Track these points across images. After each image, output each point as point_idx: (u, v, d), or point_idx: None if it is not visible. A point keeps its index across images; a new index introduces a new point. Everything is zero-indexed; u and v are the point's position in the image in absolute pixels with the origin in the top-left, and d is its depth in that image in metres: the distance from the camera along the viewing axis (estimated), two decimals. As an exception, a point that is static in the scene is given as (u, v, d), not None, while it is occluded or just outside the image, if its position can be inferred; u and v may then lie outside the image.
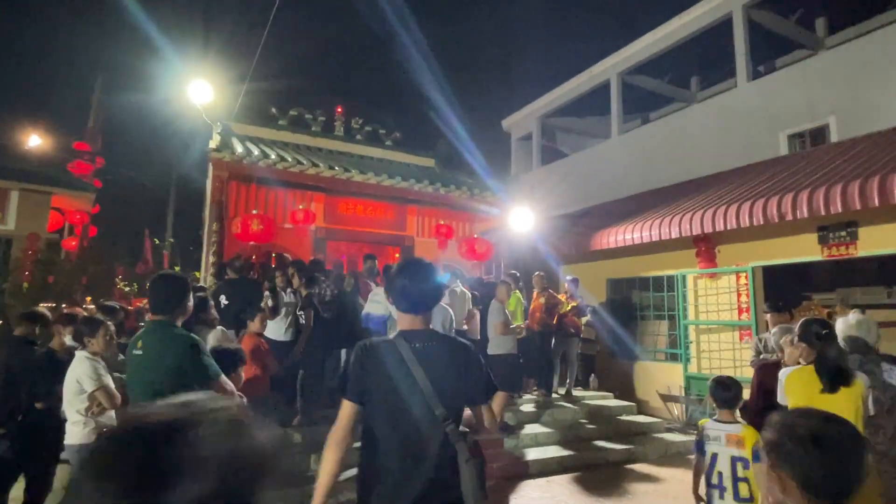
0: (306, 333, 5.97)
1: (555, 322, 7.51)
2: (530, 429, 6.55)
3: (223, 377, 2.76)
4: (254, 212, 8.03)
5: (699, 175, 10.18)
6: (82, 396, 3.46)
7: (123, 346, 4.71)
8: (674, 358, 8.55)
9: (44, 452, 3.78)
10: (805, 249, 6.99)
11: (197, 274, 13.32)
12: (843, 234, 6.61)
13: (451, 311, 5.78)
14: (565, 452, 6.09)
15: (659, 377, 8.53)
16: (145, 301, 10.10)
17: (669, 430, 7.41)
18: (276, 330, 5.91)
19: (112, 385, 3.56)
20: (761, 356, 5.24)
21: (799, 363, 2.78)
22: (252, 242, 7.85)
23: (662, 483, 5.49)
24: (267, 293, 5.92)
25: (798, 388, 2.59)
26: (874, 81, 9.27)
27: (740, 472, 2.73)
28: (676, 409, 8.07)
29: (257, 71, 10.17)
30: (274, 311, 5.85)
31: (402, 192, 9.53)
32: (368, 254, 7.95)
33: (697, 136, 12.00)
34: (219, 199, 7.96)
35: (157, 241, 21.05)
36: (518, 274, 7.64)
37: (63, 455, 3.66)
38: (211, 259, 7.59)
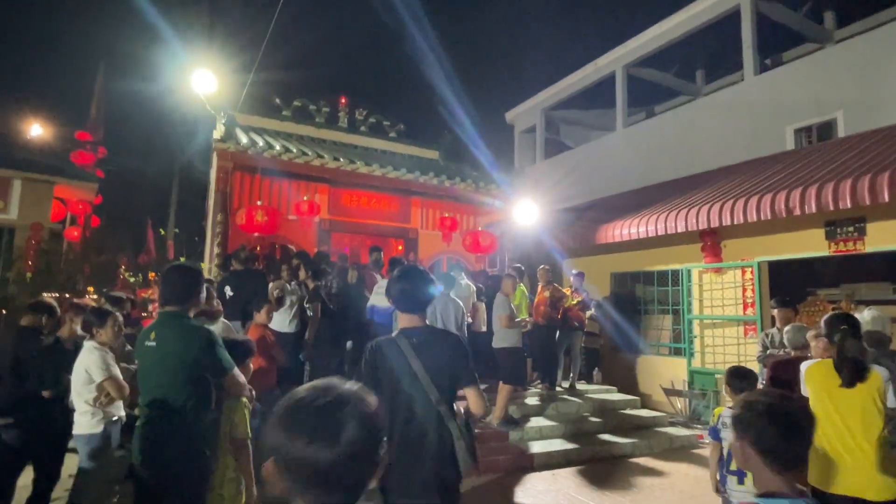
0: (315, 326, 5.96)
1: (559, 316, 7.49)
2: (535, 422, 6.55)
3: (236, 369, 2.75)
4: (258, 203, 8.01)
5: (704, 169, 10.13)
6: (91, 386, 3.46)
7: (128, 337, 4.71)
8: (677, 352, 8.54)
9: (52, 441, 3.78)
10: (812, 245, 6.96)
11: (202, 265, 13.32)
12: (851, 229, 6.58)
13: (461, 305, 5.78)
14: (570, 446, 6.10)
15: (662, 371, 8.53)
16: (149, 292, 10.13)
17: (673, 424, 7.41)
18: (281, 321, 5.89)
19: (120, 375, 3.56)
20: (768, 351, 5.24)
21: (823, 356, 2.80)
22: (257, 233, 7.83)
23: (668, 477, 5.49)
24: (278, 287, 5.89)
25: (816, 380, 2.62)
26: (883, 76, 9.20)
27: None
28: (680, 404, 8.08)
29: (262, 61, 10.12)
30: (279, 303, 5.84)
31: (407, 184, 9.50)
32: (374, 246, 7.93)
33: (703, 129, 11.93)
34: (223, 189, 7.93)
35: (163, 231, 21.04)
36: (523, 267, 7.62)
37: (71, 444, 3.67)
38: (216, 250, 7.58)
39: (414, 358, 2.27)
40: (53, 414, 3.70)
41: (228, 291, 6.08)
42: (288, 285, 6.16)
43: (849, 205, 5.97)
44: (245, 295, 5.47)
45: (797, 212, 6.38)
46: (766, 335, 5.39)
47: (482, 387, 2.56)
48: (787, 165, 7.81)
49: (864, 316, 2.87)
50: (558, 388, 7.62)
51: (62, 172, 11.40)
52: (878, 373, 2.54)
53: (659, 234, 8.01)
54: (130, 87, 22.17)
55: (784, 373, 3.23)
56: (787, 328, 3.99)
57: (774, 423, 1.30)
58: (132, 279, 15.02)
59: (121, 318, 3.74)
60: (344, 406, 0.94)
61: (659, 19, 13.22)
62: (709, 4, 12.07)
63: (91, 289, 11.27)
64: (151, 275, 15.24)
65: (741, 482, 2.76)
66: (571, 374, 7.84)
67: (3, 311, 8.26)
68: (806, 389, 2.67)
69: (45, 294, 6.79)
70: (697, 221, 7.47)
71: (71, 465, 3.80)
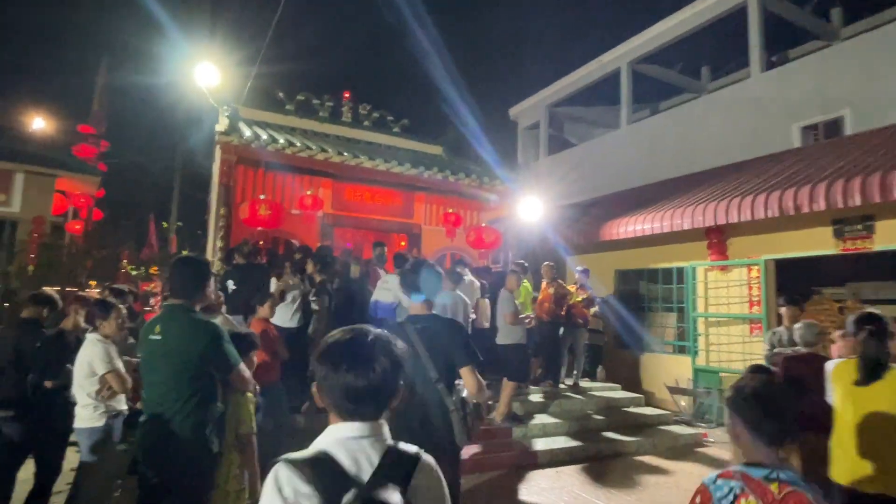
0: (323, 320, 5.93)
1: (563, 312, 7.45)
2: (539, 419, 6.52)
3: (242, 365, 2.71)
4: (261, 197, 7.96)
5: (709, 167, 10.06)
6: (93, 379, 3.43)
7: (130, 330, 4.68)
8: (682, 350, 8.50)
9: (53, 434, 3.74)
10: (819, 243, 6.90)
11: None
12: (860, 227, 6.52)
13: (468, 301, 5.75)
14: (574, 443, 6.07)
15: (667, 369, 8.49)
16: (151, 285, 10.10)
17: (678, 422, 7.37)
18: (283, 316, 5.84)
19: (123, 368, 3.53)
20: (775, 350, 5.19)
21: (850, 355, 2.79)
22: (260, 228, 7.78)
23: (672, 475, 5.46)
24: (282, 285, 5.87)
25: (839, 378, 2.61)
26: (891, 74, 9.13)
27: None
28: (684, 402, 8.04)
29: (266, 55, 10.05)
30: (281, 297, 5.79)
31: (411, 180, 9.43)
32: (378, 241, 7.89)
33: (708, 127, 11.86)
34: (226, 183, 7.88)
35: (165, 225, 21.00)
36: (526, 264, 7.57)
37: (72, 437, 3.63)
38: (218, 244, 7.53)
39: (418, 342, 2.56)
40: (55, 407, 3.66)
41: (231, 285, 6.04)
42: (290, 280, 6.11)
43: (858, 202, 5.91)
44: (248, 289, 5.43)
45: (805, 209, 6.32)
46: (774, 333, 5.34)
47: (485, 382, 2.72)
48: (795, 162, 7.75)
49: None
50: (562, 386, 7.58)
51: (64, 166, 11.38)
52: None
53: (664, 231, 7.95)
54: (133, 80, 22.01)
55: (798, 369, 3.19)
56: (797, 325, 3.95)
57: (759, 403, 1.52)
58: (134, 272, 15.00)
59: (125, 311, 3.71)
60: (373, 344, 1.19)
61: (664, 16, 13.14)
62: (715, 1, 11.98)
63: (93, 283, 11.24)
64: (153, 269, 15.22)
65: None
66: (575, 372, 7.80)
67: (6, 305, 8.23)
68: (831, 388, 2.64)
69: (46, 288, 6.75)
70: (704, 218, 7.41)
71: (73, 459, 3.77)
